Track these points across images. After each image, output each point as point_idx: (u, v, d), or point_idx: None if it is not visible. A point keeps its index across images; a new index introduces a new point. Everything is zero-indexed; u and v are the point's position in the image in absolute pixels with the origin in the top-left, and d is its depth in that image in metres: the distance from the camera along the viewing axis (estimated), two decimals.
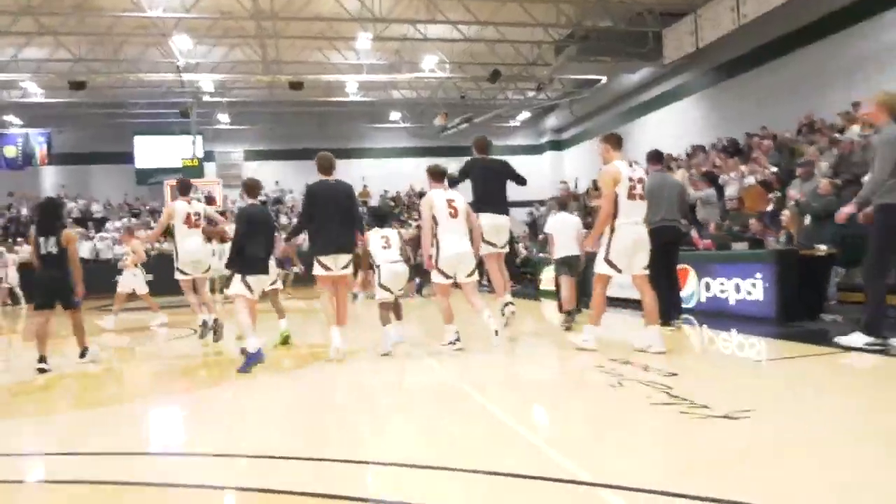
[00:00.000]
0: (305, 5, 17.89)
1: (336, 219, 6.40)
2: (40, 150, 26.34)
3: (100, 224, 25.34)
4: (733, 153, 15.08)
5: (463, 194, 6.99)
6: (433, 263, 6.52)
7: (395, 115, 29.24)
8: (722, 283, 7.89)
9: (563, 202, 9.55)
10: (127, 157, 27.40)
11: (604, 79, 23.29)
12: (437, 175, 6.89)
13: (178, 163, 25.54)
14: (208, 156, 27.27)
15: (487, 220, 7.07)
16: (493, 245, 7.16)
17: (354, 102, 26.72)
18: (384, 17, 18.00)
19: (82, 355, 6.90)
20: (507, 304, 6.96)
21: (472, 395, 4.68)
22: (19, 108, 25.56)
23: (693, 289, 8.49)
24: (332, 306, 6.45)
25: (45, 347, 6.50)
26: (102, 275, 22.67)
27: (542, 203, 26.56)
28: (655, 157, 8.45)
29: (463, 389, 5.01)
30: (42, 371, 6.35)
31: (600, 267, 5.93)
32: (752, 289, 7.38)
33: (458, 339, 6.52)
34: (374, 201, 28.73)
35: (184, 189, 8.36)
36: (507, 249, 7.57)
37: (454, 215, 6.53)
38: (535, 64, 22.14)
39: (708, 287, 8.20)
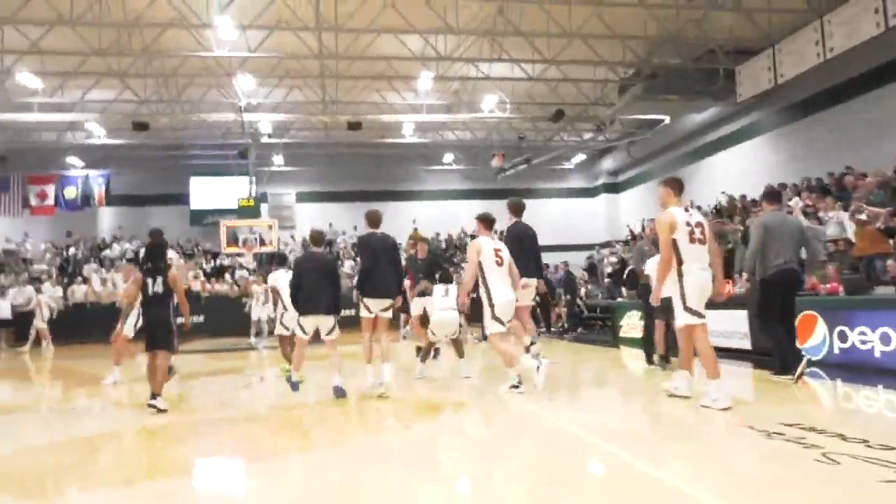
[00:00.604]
0: (368, 45, 17.71)
1: (382, 266, 7.12)
2: (99, 190, 26.61)
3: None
4: (822, 194, 14.07)
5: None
6: (491, 312, 6.70)
7: (448, 157, 28.90)
8: (863, 333, 6.92)
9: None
10: (182, 198, 27.60)
11: (667, 119, 22.58)
12: (486, 222, 7.12)
13: (233, 203, 25.54)
14: (261, 197, 27.20)
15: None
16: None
17: (409, 144, 26.51)
18: (447, 55, 17.69)
19: (153, 398, 6.58)
20: (532, 344, 7.48)
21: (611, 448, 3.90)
22: (81, 149, 26.01)
23: (821, 338, 7.51)
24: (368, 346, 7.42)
25: (158, 386, 6.58)
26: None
27: (601, 246, 25.74)
28: (773, 197, 7.70)
29: (591, 440, 4.21)
30: (153, 407, 6.42)
31: (684, 318, 5.66)
32: None
33: (520, 383, 6.67)
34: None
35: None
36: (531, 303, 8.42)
37: (500, 264, 6.80)
38: (598, 104, 21.57)
39: (844, 337, 7.22)
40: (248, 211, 22.32)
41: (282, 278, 9.39)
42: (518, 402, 6.29)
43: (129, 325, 8.76)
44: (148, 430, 5.76)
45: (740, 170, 21.12)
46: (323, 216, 28.81)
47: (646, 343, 9.07)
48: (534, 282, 7.73)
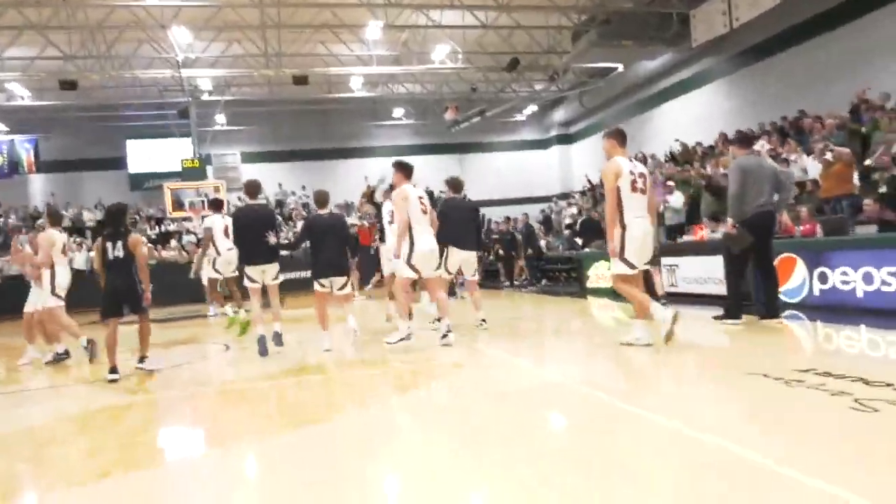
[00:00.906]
0: None
1: (330, 245, 7.30)
2: (27, 156, 25.00)
3: (94, 233, 24.00)
4: (782, 137, 14.12)
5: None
6: (408, 258, 6.74)
7: (398, 112, 28.12)
8: (845, 273, 6.87)
9: None
10: (119, 163, 26.14)
11: (620, 67, 22.30)
12: (406, 170, 7.01)
13: (174, 166, 24.31)
14: (205, 159, 25.88)
15: (457, 255, 8.04)
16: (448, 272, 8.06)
17: (358, 99, 25.63)
18: (396, 1, 16.90)
19: (141, 361, 6.80)
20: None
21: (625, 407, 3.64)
22: (4, 113, 24.20)
23: (800, 281, 7.46)
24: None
25: (115, 357, 6.46)
26: (97, 287, 21.46)
27: (558, 198, 25.64)
28: (745, 141, 7.62)
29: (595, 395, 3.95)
30: (113, 381, 6.28)
31: (618, 267, 5.88)
32: (892, 279, 6.37)
33: (449, 332, 6.90)
34: (378, 198, 27.61)
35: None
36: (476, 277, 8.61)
37: (425, 212, 6.84)
38: (551, 52, 21.12)
39: (824, 279, 7.17)
40: (193, 172, 21.19)
41: (218, 223, 9.59)
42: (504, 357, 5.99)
43: (45, 294, 8.14)
44: (112, 412, 5.24)
45: (693, 117, 21.12)
46: (270, 176, 27.72)
47: None
48: (474, 255, 8.06)
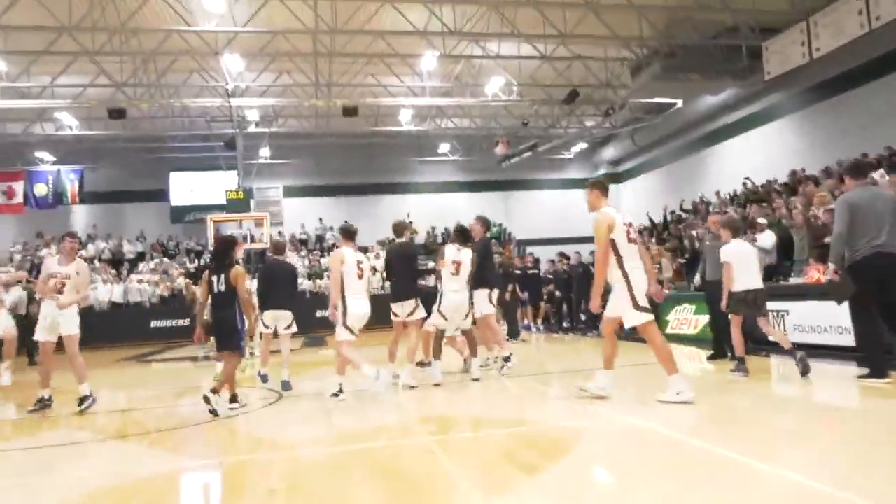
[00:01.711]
0: (367, 21, 16.26)
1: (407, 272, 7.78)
2: (72, 187, 24.83)
3: (132, 265, 23.59)
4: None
5: None
6: (344, 321, 6.84)
7: (444, 147, 27.51)
8: None
9: (736, 227, 7.51)
10: (161, 195, 25.88)
11: (679, 102, 21.40)
12: (348, 234, 7.27)
13: (216, 199, 23.91)
14: (247, 192, 25.49)
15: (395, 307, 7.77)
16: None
17: (404, 134, 25.15)
18: (453, 30, 16.30)
19: (233, 400, 6.67)
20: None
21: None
22: (52, 144, 24.19)
23: None
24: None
25: (233, 387, 6.66)
26: (134, 320, 21.00)
27: None
28: (858, 170, 6.50)
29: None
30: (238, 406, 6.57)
31: (636, 318, 5.65)
32: None
33: (341, 391, 6.79)
34: (420, 238, 26.87)
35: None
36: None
37: (360, 276, 7.01)
38: (609, 86, 20.32)
39: None
40: (238, 204, 20.68)
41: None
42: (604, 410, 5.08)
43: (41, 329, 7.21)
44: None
45: (759, 154, 20.03)
46: (312, 211, 27.31)
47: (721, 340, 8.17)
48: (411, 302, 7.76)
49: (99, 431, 6.12)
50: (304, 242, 25.90)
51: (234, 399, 6.63)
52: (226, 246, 6.84)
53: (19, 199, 24.27)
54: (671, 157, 25.54)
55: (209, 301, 6.66)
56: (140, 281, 21.57)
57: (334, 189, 27.77)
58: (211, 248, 23.68)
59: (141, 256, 24.84)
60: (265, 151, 25.20)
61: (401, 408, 6.37)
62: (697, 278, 9.78)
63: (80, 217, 26.32)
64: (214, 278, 6.50)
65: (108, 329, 19.82)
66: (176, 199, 25.85)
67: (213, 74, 18.89)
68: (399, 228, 8.07)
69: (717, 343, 8.49)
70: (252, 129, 21.45)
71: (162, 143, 24.62)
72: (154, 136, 23.83)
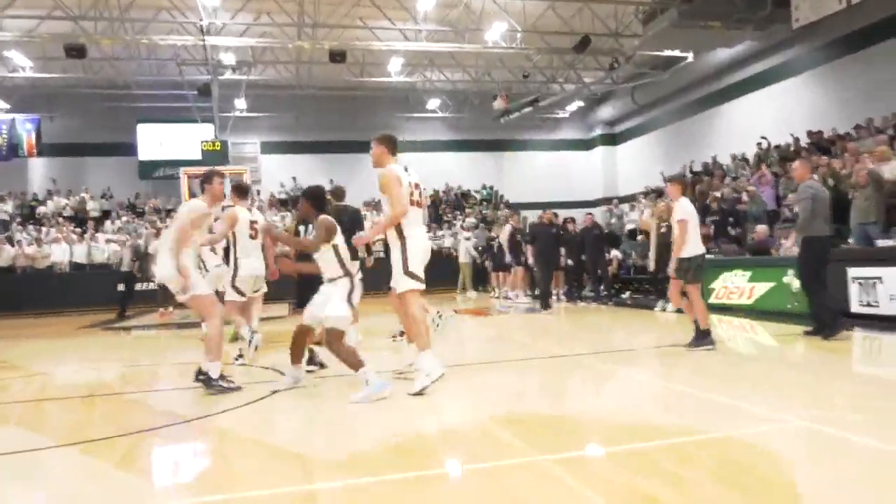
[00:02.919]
0: None
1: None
2: (28, 138, 22.80)
3: (97, 224, 21.72)
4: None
5: None
6: (232, 281, 6.78)
7: (433, 103, 25.84)
8: None
9: (686, 183, 7.24)
10: (128, 149, 23.86)
11: (689, 56, 19.99)
12: (240, 191, 7.15)
13: (189, 154, 22.05)
14: (223, 144, 23.61)
15: None
16: None
17: (391, 87, 23.49)
18: None
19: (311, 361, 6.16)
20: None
21: None
22: (5, 90, 22.02)
23: None
24: None
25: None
26: (99, 282, 19.24)
27: (618, 201, 23.13)
28: None
29: None
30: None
31: (406, 283, 5.26)
32: None
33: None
34: None
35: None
36: None
37: (254, 236, 6.83)
38: (619, 34, 18.83)
39: None
40: (214, 157, 18.94)
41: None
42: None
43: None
44: None
45: (774, 113, 18.83)
46: (290, 168, 25.51)
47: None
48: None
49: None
50: (284, 203, 24.09)
51: (311, 360, 6.21)
52: (315, 196, 6.01)
53: None
54: (672, 118, 24.26)
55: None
56: (108, 241, 19.81)
57: (314, 146, 25.99)
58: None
59: (106, 214, 22.97)
60: (241, 103, 23.27)
61: (436, 406, 4.96)
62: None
63: (38, 171, 24.30)
64: (301, 229, 6.31)
65: (70, 293, 18.15)
66: (144, 153, 23.87)
67: (184, 13, 16.96)
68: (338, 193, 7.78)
69: (817, 315, 6.99)
70: (228, 75, 19.51)
71: (128, 90, 22.56)
72: (119, 82, 21.77)
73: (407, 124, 26.97)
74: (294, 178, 24.84)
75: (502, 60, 21.69)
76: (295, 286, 6.57)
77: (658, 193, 18.66)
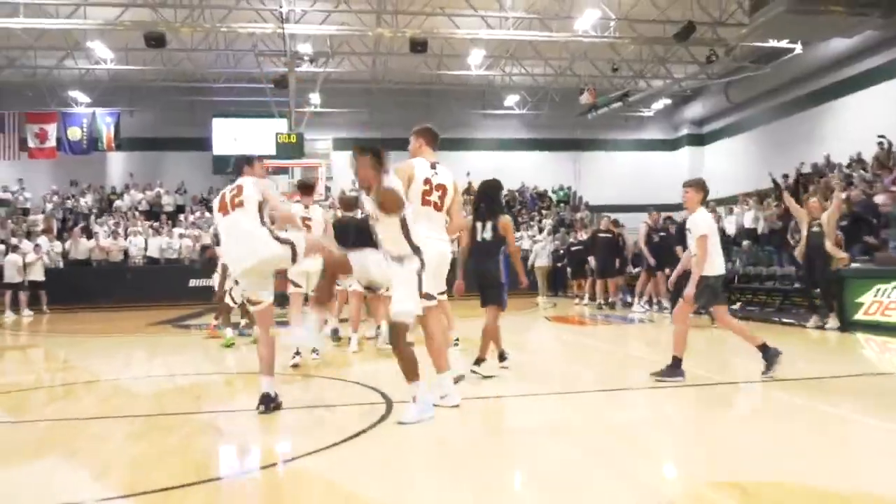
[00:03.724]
0: None
1: None
2: (108, 132, 22.88)
3: (172, 218, 21.62)
4: None
5: None
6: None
7: (511, 100, 24.79)
8: None
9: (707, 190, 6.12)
10: (203, 143, 23.75)
11: (798, 47, 18.28)
12: (306, 188, 7.10)
13: (262, 148, 21.60)
14: (298, 137, 23.20)
15: None
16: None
17: (468, 83, 22.63)
18: None
19: (502, 358, 6.10)
20: None
21: None
22: (86, 84, 22.25)
23: None
24: None
25: (500, 343, 6.07)
26: (172, 277, 19.07)
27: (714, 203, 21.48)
28: None
29: None
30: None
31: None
32: None
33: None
34: None
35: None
36: None
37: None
38: (723, 23, 17.34)
39: None
40: (289, 149, 18.33)
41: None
42: None
43: None
44: None
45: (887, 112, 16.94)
46: None
47: None
48: None
49: None
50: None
51: (502, 357, 6.10)
52: (493, 190, 6.15)
53: (52, 143, 22.42)
54: (771, 116, 22.42)
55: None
56: (182, 235, 19.63)
57: (387, 143, 24.94)
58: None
59: (180, 209, 22.89)
60: (315, 98, 22.84)
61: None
62: None
63: (117, 165, 24.49)
64: (479, 225, 5.94)
65: (145, 287, 17.97)
66: (218, 147, 23.68)
67: (263, 1, 16.49)
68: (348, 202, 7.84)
69: None
70: (304, 68, 18.95)
71: (205, 82, 22.47)
72: (196, 75, 21.66)
73: (482, 122, 26.07)
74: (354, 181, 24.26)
75: (587, 53, 20.45)
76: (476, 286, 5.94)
77: (766, 195, 17.10)
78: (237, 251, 4.57)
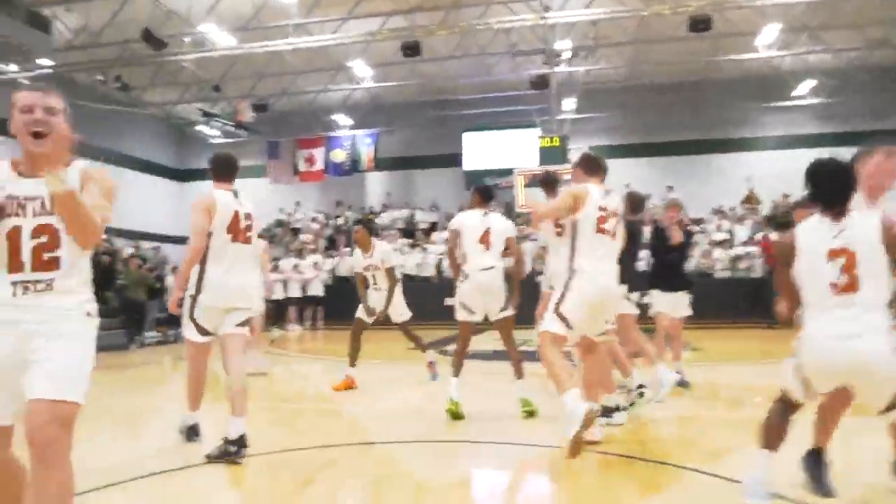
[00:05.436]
0: None
1: None
2: (367, 153, 23.57)
3: (426, 235, 21.45)
4: None
5: None
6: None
7: (804, 88, 20.65)
8: None
9: None
10: (452, 159, 23.36)
11: None
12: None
13: (515, 161, 20.45)
14: (561, 140, 21.78)
15: None
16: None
17: (749, 69, 19.29)
18: None
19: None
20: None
21: None
22: (347, 107, 23.20)
23: None
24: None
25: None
26: (431, 295, 18.44)
27: None
28: None
29: None
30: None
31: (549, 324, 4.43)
32: None
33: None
34: (765, 208, 20.57)
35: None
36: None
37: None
38: None
39: None
40: (552, 155, 16.77)
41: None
42: None
43: None
44: None
45: None
46: (620, 175, 22.49)
47: None
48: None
49: None
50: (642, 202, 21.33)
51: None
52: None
53: (320, 166, 23.70)
54: None
55: None
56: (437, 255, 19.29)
57: (646, 148, 22.81)
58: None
59: (433, 226, 22.68)
60: (569, 104, 21.18)
61: None
62: None
63: (374, 184, 25.21)
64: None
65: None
66: (469, 163, 23.08)
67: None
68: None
69: None
70: (562, 68, 17.32)
71: (455, 94, 22.13)
72: (447, 87, 21.37)
73: (762, 117, 22.23)
74: (627, 186, 21.88)
75: None
76: None
77: None
78: None
